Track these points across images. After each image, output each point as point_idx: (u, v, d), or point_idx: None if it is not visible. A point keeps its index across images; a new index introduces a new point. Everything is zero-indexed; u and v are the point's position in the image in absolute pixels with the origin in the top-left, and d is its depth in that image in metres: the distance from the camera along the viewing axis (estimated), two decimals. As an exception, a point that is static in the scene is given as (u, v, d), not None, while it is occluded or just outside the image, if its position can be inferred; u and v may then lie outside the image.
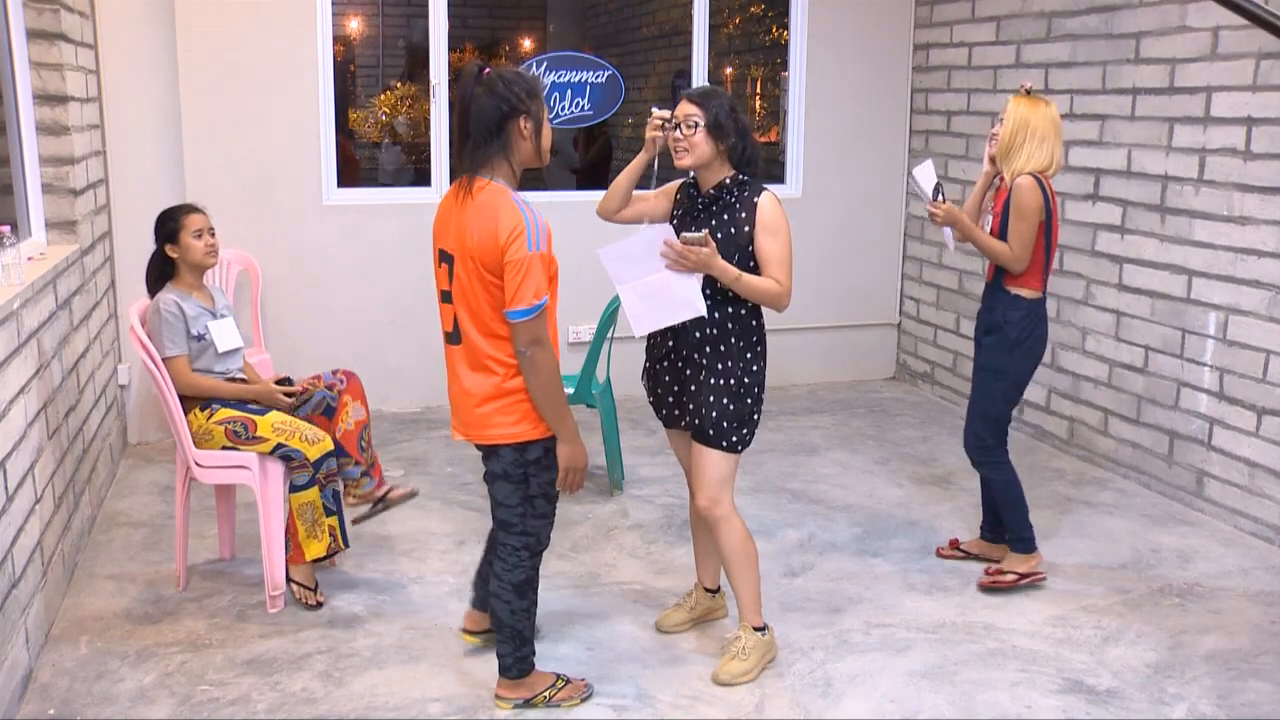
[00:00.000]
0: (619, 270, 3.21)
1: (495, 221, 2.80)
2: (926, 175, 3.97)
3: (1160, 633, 3.76)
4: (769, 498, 4.93)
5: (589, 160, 7.52)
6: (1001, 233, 3.92)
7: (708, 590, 3.73)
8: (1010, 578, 4.04)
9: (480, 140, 2.88)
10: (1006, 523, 4.09)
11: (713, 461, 3.34)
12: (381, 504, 4.15)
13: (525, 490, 3.05)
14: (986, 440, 4.03)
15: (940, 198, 3.93)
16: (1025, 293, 3.94)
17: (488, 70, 2.91)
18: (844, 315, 6.92)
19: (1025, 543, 4.07)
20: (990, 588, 4.03)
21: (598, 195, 3.48)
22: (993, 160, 4.00)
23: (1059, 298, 5.64)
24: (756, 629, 3.47)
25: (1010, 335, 3.93)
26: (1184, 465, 4.95)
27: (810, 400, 6.58)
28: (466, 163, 2.92)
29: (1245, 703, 3.33)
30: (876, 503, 4.89)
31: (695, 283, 3.19)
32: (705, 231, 3.18)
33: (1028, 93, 3.92)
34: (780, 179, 6.71)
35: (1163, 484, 5.06)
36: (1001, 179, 3.98)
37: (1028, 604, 3.95)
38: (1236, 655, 3.62)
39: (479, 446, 3.09)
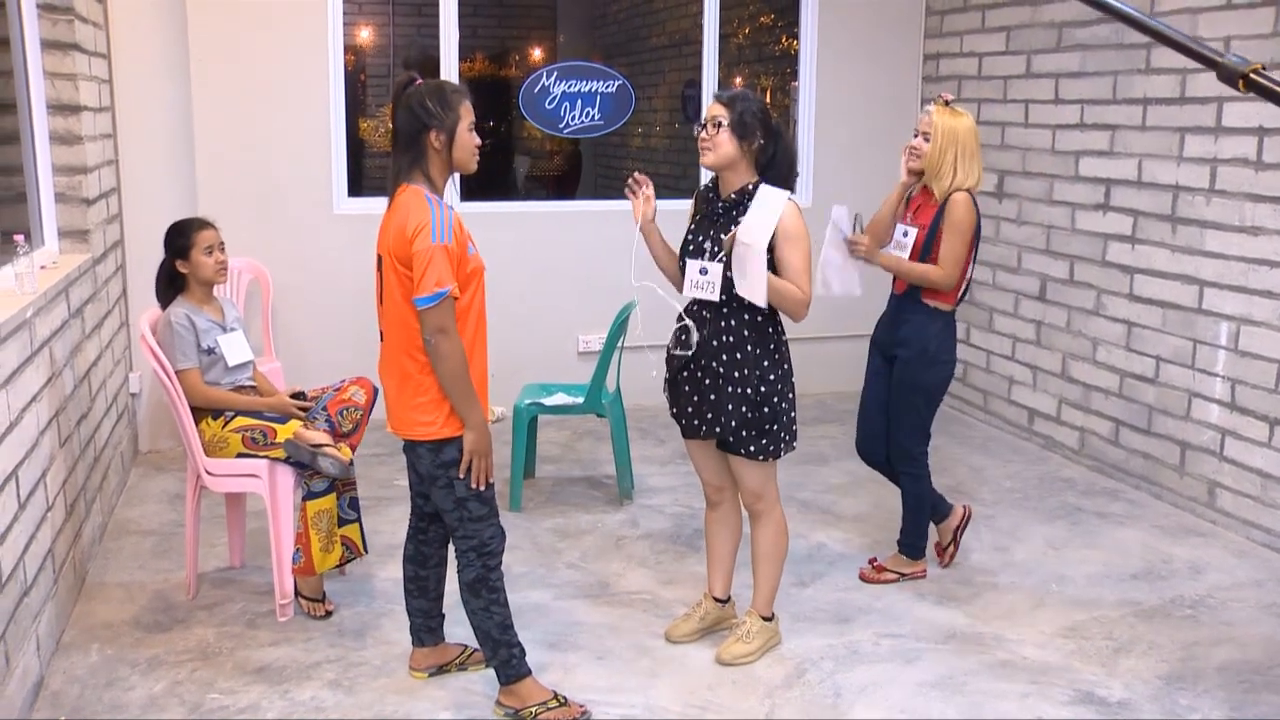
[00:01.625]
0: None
1: (406, 218, 2.95)
2: (843, 216, 3.92)
3: (1172, 644, 3.74)
4: (778, 507, 4.91)
5: (552, 169, 7.55)
6: (926, 247, 3.90)
7: (718, 600, 3.73)
8: (891, 576, 4.19)
9: (399, 151, 3.05)
10: (906, 527, 4.21)
11: (744, 467, 3.43)
12: (315, 448, 3.69)
13: (454, 494, 3.10)
14: (913, 452, 4.10)
15: (859, 229, 3.91)
16: (943, 306, 3.96)
17: (417, 81, 3.03)
18: (853, 325, 6.88)
19: (918, 550, 4.22)
20: (871, 582, 4.18)
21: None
22: (911, 173, 3.98)
23: (1069, 308, 5.62)
24: (764, 618, 3.60)
25: (930, 349, 3.95)
26: (1196, 476, 4.93)
27: (819, 410, 6.57)
28: (392, 171, 3.08)
29: (1258, 715, 3.31)
30: (885, 513, 4.87)
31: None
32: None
33: (946, 104, 3.90)
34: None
35: (1174, 495, 5.04)
36: (927, 192, 3.95)
37: (1038, 615, 3.94)
38: (1249, 667, 3.60)
39: (404, 445, 3.18)
